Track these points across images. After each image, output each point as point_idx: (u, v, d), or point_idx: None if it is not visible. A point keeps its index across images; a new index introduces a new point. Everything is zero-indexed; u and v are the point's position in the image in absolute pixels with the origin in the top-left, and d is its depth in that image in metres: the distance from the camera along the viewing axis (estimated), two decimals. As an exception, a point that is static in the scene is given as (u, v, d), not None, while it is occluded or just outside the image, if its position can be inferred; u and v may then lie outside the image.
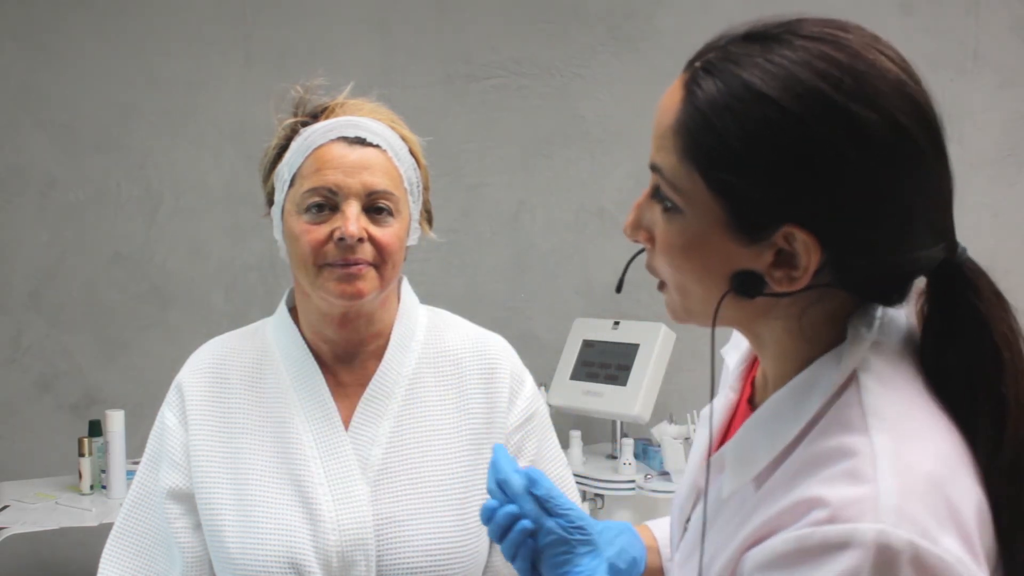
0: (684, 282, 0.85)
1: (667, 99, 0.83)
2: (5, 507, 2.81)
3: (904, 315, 0.85)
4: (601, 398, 3.04)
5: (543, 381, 3.17)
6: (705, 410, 0.98)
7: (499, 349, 1.38)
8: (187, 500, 1.31)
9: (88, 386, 3.36)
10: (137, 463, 1.43)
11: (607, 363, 3.10)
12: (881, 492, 0.72)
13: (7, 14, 3.30)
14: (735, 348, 1.02)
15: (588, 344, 3.19)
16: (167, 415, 1.35)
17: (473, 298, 3.42)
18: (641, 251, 0.90)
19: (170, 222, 3.40)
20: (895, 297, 0.84)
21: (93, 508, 2.82)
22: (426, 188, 1.35)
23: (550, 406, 3.01)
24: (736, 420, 0.96)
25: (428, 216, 1.37)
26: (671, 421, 2.97)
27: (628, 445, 2.96)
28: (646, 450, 3.05)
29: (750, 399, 0.95)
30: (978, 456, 0.79)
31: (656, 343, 2.99)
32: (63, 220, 3.35)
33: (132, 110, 3.36)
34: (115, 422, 2.91)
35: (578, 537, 1.02)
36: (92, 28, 3.33)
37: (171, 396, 1.36)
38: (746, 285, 0.81)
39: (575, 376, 3.16)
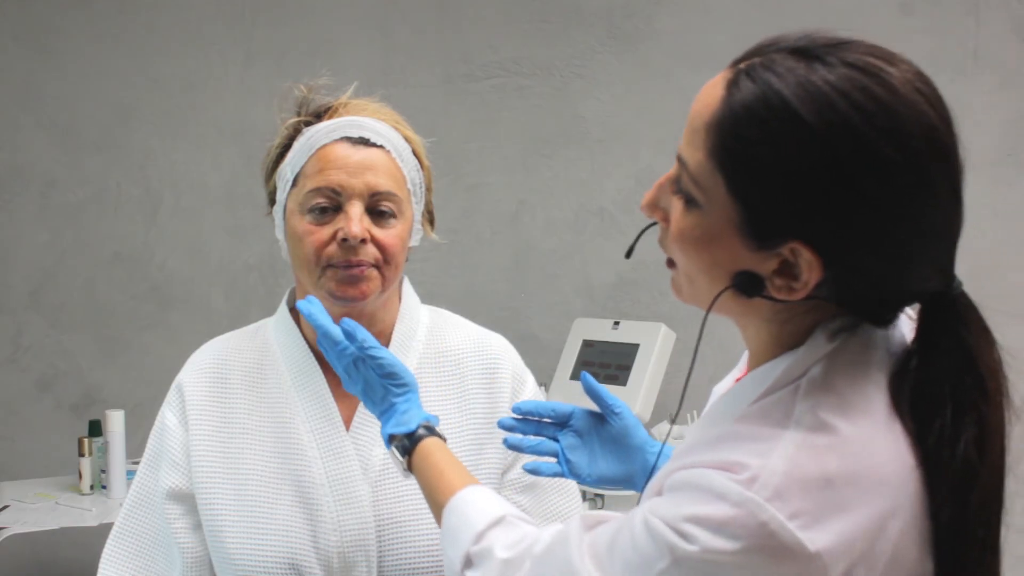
0: (691, 270, 0.88)
1: (706, 94, 0.85)
2: (5, 507, 2.81)
3: (891, 335, 0.87)
4: (601, 398, 3.03)
5: (543, 381, 3.17)
6: (717, 386, 1.07)
7: (500, 349, 1.38)
8: (187, 500, 1.31)
9: (88, 386, 3.36)
10: (137, 463, 1.43)
11: (607, 363, 3.09)
12: (767, 470, 0.78)
13: (8, 14, 3.30)
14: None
15: (588, 344, 3.19)
16: (167, 415, 1.35)
17: (473, 298, 3.42)
18: (654, 223, 0.92)
19: (170, 222, 3.40)
20: (886, 318, 0.87)
21: (93, 508, 2.82)
22: (428, 189, 1.35)
23: (550, 406, 3.00)
24: None
25: (430, 217, 1.37)
26: (671, 421, 2.97)
27: (628, 445, 2.95)
28: (646, 450, 3.05)
29: None
30: (942, 481, 0.81)
31: (656, 343, 2.99)
32: (63, 220, 3.35)
33: (132, 110, 3.36)
34: (115, 422, 2.91)
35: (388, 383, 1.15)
36: (92, 28, 3.33)
37: (171, 396, 1.36)
38: (747, 285, 0.85)
39: (575, 376, 3.16)
